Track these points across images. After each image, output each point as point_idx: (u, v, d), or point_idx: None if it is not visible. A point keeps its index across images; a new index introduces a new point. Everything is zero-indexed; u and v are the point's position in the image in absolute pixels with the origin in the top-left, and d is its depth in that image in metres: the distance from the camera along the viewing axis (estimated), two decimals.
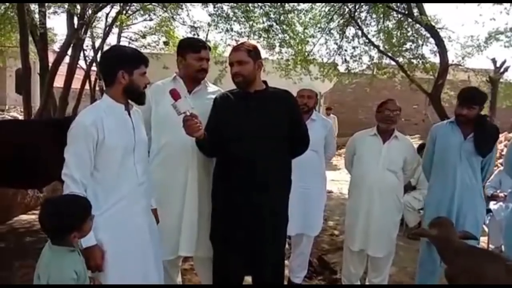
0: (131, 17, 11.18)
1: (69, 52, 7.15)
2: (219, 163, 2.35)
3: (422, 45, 7.98)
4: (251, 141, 2.21)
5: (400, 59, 8.04)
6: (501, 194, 4.25)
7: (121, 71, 1.89)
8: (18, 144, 3.34)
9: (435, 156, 2.90)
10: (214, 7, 8.05)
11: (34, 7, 6.95)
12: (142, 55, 2.00)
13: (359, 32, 8.26)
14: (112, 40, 12.47)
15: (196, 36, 7.77)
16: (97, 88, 12.45)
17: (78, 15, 6.57)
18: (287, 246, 2.91)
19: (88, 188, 1.83)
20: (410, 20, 7.41)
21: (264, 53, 8.30)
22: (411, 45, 8.07)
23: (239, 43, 2.39)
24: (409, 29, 8.01)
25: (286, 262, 2.61)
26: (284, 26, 8.38)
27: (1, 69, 16.08)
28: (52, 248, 1.68)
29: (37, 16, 6.89)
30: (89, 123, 1.81)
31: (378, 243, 2.85)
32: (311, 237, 3.21)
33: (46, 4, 6.85)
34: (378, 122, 2.92)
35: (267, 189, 2.24)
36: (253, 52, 2.28)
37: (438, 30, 6.99)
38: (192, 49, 2.40)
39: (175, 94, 2.04)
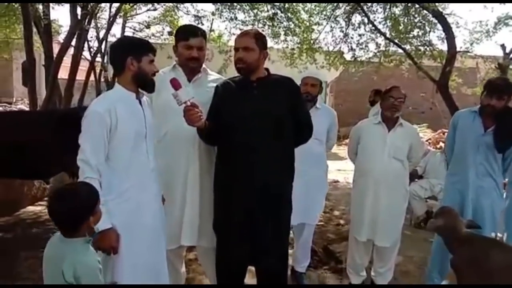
0: (135, 7, 11.12)
1: (73, 43, 7.13)
2: (220, 151, 2.33)
3: (430, 31, 7.82)
4: (253, 128, 2.19)
5: (407, 46, 7.90)
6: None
7: (130, 58, 1.94)
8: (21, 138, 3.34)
9: (456, 143, 2.86)
10: None
11: None
12: (150, 43, 2.06)
13: (365, 19, 8.11)
14: (116, 30, 12.54)
15: (195, 24, 7.67)
16: (102, 79, 12.46)
17: (82, 6, 6.54)
18: (291, 235, 2.90)
19: (102, 174, 1.86)
20: (417, 6, 7.26)
21: (269, 42, 8.20)
22: (418, 32, 7.89)
23: (247, 29, 2.34)
24: (416, 15, 7.84)
25: (290, 251, 2.59)
26: (289, 14, 8.29)
27: (8, 62, 16.16)
28: (67, 241, 1.62)
29: (41, 7, 6.87)
30: (103, 111, 1.86)
31: (385, 233, 2.82)
32: (312, 226, 3.20)
33: None
34: (383, 110, 2.88)
35: (269, 176, 2.21)
36: (261, 41, 2.25)
37: (446, 16, 6.85)
38: (181, 37, 2.37)
39: (175, 84, 2.02)
